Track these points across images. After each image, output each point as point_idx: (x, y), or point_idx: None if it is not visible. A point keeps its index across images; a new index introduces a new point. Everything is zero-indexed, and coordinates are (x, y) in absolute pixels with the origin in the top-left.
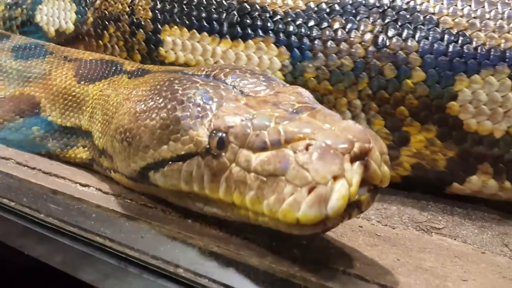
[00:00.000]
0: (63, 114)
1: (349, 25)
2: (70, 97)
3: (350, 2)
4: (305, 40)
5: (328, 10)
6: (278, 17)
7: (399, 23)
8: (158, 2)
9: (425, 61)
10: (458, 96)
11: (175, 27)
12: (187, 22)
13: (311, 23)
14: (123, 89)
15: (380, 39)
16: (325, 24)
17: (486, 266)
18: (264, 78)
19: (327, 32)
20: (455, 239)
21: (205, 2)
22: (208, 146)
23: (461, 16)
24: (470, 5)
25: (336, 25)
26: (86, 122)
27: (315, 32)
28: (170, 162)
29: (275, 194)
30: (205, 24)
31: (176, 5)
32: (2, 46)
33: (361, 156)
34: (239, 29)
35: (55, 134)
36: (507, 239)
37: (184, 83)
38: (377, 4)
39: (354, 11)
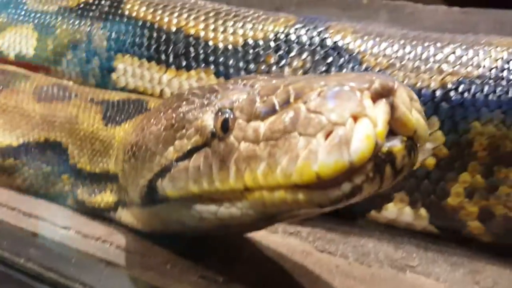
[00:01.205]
0: (91, 160)
1: (282, 61)
2: (98, 142)
3: (284, 40)
4: (242, 72)
5: (263, 46)
6: (219, 50)
7: (328, 61)
8: (113, 33)
9: None
10: None
11: (127, 55)
12: (137, 51)
13: (248, 57)
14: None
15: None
16: (260, 59)
17: None
18: (280, 79)
19: (262, 67)
20: (428, 277)
21: (154, 35)
22: (213, 130)
23: (382, 57)
24: (392, 46)
25: (271, 61)
26: (113, 166)
27: (251, 66)
28: (176, 163)
29: (288, 154)
30: (154, 54)
31: (128, 36)
32: (23, 87)
33: (385, 94)
34: (183, 60)
35: (85, 181)
36: (478, 277)
37: (189, 92)
38: (308, 43)
39: (287, 48)
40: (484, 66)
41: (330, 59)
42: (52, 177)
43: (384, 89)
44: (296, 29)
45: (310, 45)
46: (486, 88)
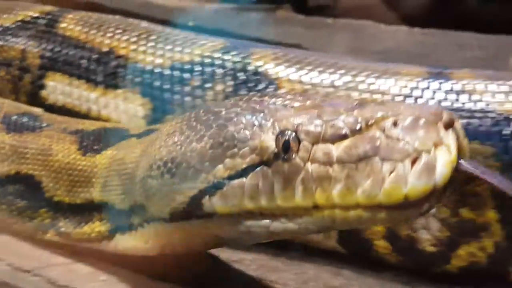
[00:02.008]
0: (70, 191)
1: (206, 84)
2: (76, 173)
3: (210, 63)
4: (166, 93)
5: (189, 69)
6: (146, 72)
7: (248, 85)
8: (46, 51)
9: None
10: None
11: (58, 73)
12: (68, 70)
13: (174, 79)
14: (138, 146)
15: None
16: (185, 82)
17: None
18: (299, 97)
19: (186, 88)
20: None
21: (86, 54)
22: (276, 151)
23: (298, 83)
24: (308, 73)
25: (195, 83)
26: (98, 194)
27: (176, 88)
28: (229, 181)
29: (371, 177)
30: (84, 73)
31: (60, 55)
32: None
33: (451, 124)
34: (111, 79)
35: (66, 213)
36: None
37: (223, 104)
38: (231, 67)
39: (212, 72)
40: (390, 94)
41: (250, 84)
42: (28, 211)
43: (451, 121)
44: (221, 53)
45: (232, 69)
46: None
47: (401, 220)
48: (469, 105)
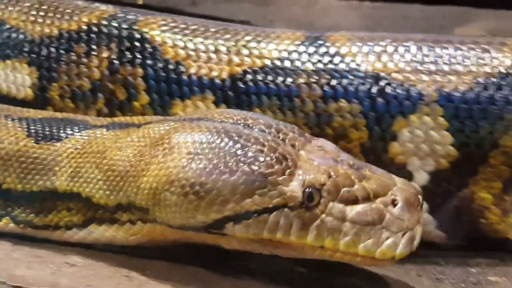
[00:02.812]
0: (23, 179)
1: (90, 52)
2: (30, 160)
3: (96, 30)
4: (52, 62)
5: (76, 37)
6: (33, 41)
7: (130, 51)
8: None
9: (149, 86)
10: None
11: None
12: None
13: (60, 48)
14: (121, 142)
15: (114, 65)
16: (70, 49)
17: None
18: (285, 126)
19: (72, 57)
20: None
21: None
22: (301, 200)
23: (181, 48)
24: (193, 39)
25: (78, 50)
26: (65, 183)
27: (63, 56)
28: (255, 214)
29: (373, 238)
30: None
31: None
32: None
33: (422, 204)
34: (1, 50)
35: (20, 201)
36: None
37: (246, 138)
38: (116, 34)
39: (97, 40)
40: (268, 58)
41: (135, 50)
42: None
43: (422, 202)
44: (108, 21)
45: (118, 36)
46: (268, 78)
47: (377, 266)
48: (342, 66)
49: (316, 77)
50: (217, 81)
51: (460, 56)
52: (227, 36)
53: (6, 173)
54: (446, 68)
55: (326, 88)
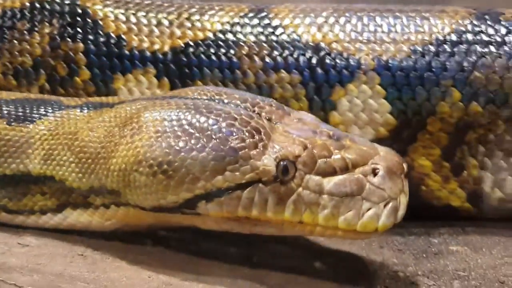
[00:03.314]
0: None
1: (32, 28)
2: (3, 143)
3: (38, 7)
4: None
5: (18, 15)
6: None
7: (72, 27)
8: None
9: (90, 61)
10: (118, 92)
11: None
12: None
13: (3, 25)
14: (92, 123)
15: (55, 41)
16: (13, 27)
17: None
18: (262, 100)
19: (14, 34)
20: None
21: None
22: (275, 174)
23: (123, 22)
24: (135, 14)
25: (21, 27)
26: (38, 166)
27: (4, 34)
28: (228, 192)
29: (353, 210)
30: None
31: None
32: None
33: (406, 174)
34: None
35: None
36: None
37: (216, 113)
38: (58, 10)
39: (39, 16)
40: (210, 30)
41: (77, 25)
42: None
43: (406, 170)
44: None
45: (60, 12)
46: (211, 50)
47: (361, 239)
48: (282, 38)
49: (257, 49)
50: (159, 54)
51: (399, 25)
52: (171, 9)
53: None
54: (384, 37)
55: (267, 59)
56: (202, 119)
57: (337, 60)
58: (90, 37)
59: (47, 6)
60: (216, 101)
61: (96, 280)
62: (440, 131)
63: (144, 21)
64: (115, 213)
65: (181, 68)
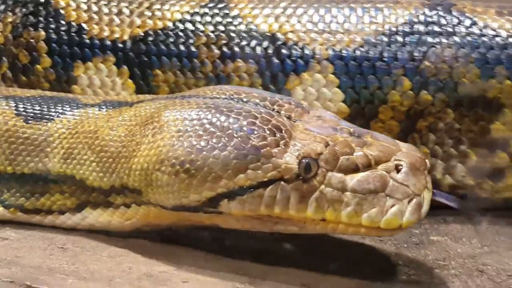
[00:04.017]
0: (14, 161)
1: None
2: (20, 141)
3: None
4: None
5: None
6: None
7: (34, 15)
8: None
9: (51, 49)
10: (78, 80)
11: None
12: None
13: None
14: (113, 122)
15: (17, 29)
16: None
17: None
18: (281, 98)
19: None
20: None
21: None
22: (297, 172)
23: (84, 11)
24: (97, 3)
25: None
26: (58, 166)
27: None
28: (250, 190)
29: (377, 207)
30: None
31: None
32: None
33: (430, 170)
34: None
35: (10, 184)
36: None
37: (237, 112)
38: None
39: (2, 6)
40: (173, 20)
41: (39, 14)
42: None
43: (429, 167)
44: None
45: (22, 1)
46: (170, 39)
47: (385, 236)
48: (240, 28)
49: (216, 39)
50: (119, 43)
51: (353, 16)
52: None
53: None
54: (339, 27)
55: (224, 49)
56: (223, 118)
57: (292, 50)
58: (52, 25)
59: None
60: (235, 100)
61: (76, 272)
62: (391, 120)
63: (106, 10)
64: (136, 212)
65: (140, 57)
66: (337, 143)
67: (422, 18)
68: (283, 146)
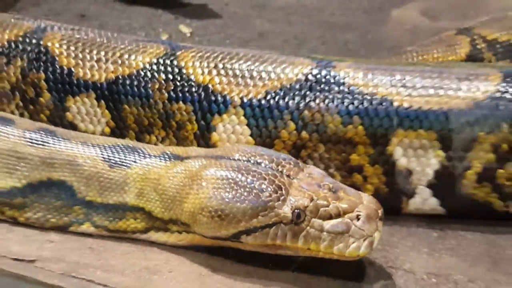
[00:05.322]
0: (102, 194)
1: (9, 62)
2: (107, 181)
3: (13, 46)
4: None
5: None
6: None
7: (36, 61)
8: None
9: (49, 87)
10: (70, 109)
11: None
12: None
13: None
14: (171, 174)
15: (25, 71)
16: None
17: None
18: (284, 159)
19: None
20: None
21: None
22: (291, 218)
23: (73, 58)
24: (81, 51)
25: (2, 62)
26: (133, 199)
27: None
28: (260, 229)
29: (343, 243)
30: None
31: None
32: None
33: (381, 217)
34: None
35: (99, 210)
36: None
37: (252, 174)
38: (27, 48)
39: (13, 53)
40: (135, 68)
41: (40, 60)
42: (64, 209)
43: (381, 215)
44: (22, 37)
45: (28, 50)
46: (134, 83)
47: (349, 261)
48: (182, 77)
49: (165, 85)
50: (98, 83)
51: (263, 71)
52: (110, 47)
53: (89, 189)
54: (250, 82)
55: (171, 93)
56: (243, 178)
57: (218, 97)
58: (50, 69)
59: (20, 46)
60: (252, 161)
61: (101, 266)
62: (283, 149)
63: (88, 57)
64: (186, 237)
65: (113, 95)
66: (319, 198)
67: (309, 77)
68: (282, 201)
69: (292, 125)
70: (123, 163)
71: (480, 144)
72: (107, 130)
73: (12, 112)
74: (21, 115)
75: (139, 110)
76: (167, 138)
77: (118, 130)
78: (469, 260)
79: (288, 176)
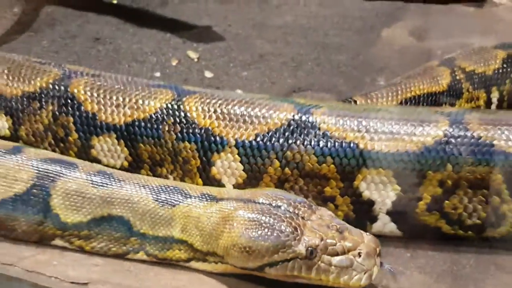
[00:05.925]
0: (153, 228)
1: (42, 107)
2: (157, 217)
3: (45, 92)
4: (19, 112)
5: (33, 96)
6: (7, 98)
7: (65, 106)
8: None
9: (77, 128)
10: (94, 147)
11: None
12: None
13: (23, 104)
14: (208, 213)
15: (55, 115)
16: (29, 105)
17: None
18: (299, 202)
19: (31, 109)
20: None
21: None
22: (305, 255)
23: (96, 103)
24: (103, 97)
25: (34, 106)
26: (178, 233)
27: (25, 109)
28: (280, 263)
29: (347, 275)
30: None
31: None
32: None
33: (379, 253)
34: None
35: (151, 241)
36: None
37: (273, 217)
38: (56, 95)
39: (45, 98)
40: (148, 112)
41: (68, 105)
42: (122, 240)
43: (379, 251)
44: (52, 84)
45: (57, 96)
46: (148, 125)
47: None
48: (187, 119)
49: (173, 126)
50: (117, 125)
51: (254, 116)
52: (127, 93)
53: (142, 223)
54: (242, 123)
55: (178, 134)
56: (266, 220)
57: (217, 138)
58: (76, 113)
59: (50, 92)
60: (273, 205)
61: (140, 287)
62: (270, 182)
63: (108, 102)
64: (220, 266)
65: (130, 135)
66: (328, 238)
67: (291, 122)
68: (298, 240)
69: (277, 163)
70: (168, 202)
71: (429, 180)
72: (126, 164)
73: (46, 149)
74: (53, 151)
75: (152, 148)
76: (175, 170)
77: (134, 163)
78: (434, 277)
79: (303, 218)
